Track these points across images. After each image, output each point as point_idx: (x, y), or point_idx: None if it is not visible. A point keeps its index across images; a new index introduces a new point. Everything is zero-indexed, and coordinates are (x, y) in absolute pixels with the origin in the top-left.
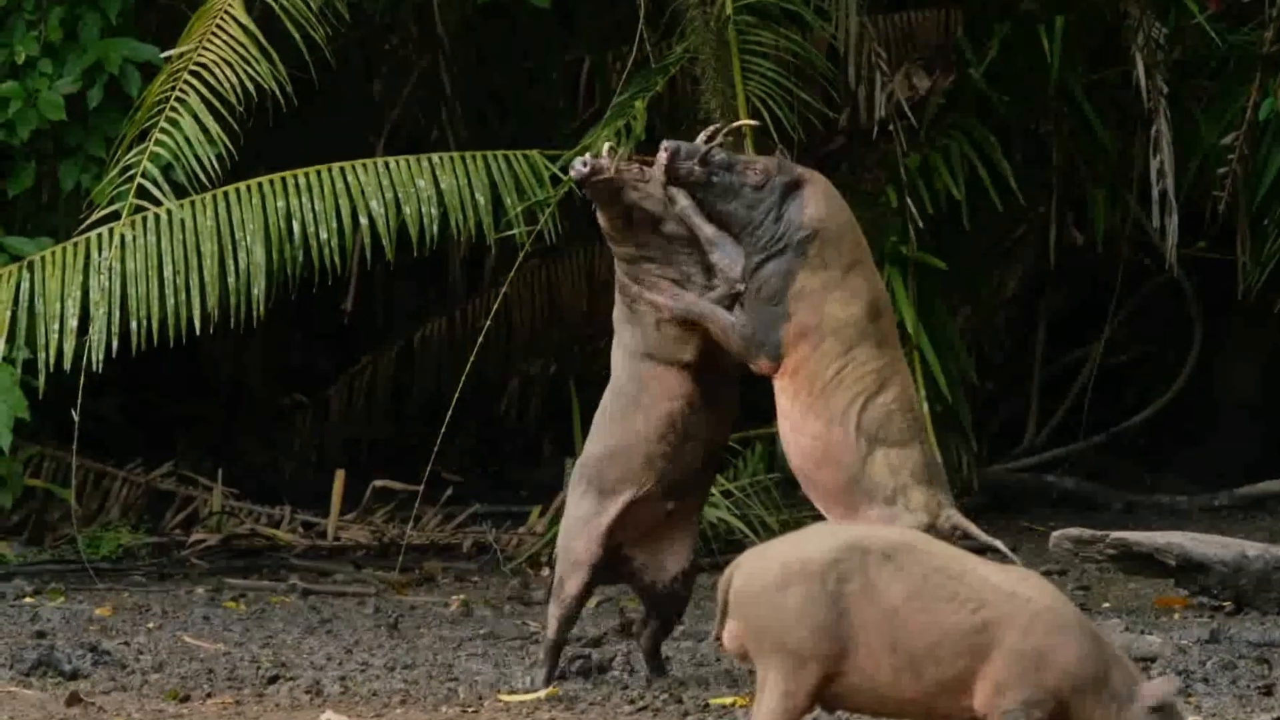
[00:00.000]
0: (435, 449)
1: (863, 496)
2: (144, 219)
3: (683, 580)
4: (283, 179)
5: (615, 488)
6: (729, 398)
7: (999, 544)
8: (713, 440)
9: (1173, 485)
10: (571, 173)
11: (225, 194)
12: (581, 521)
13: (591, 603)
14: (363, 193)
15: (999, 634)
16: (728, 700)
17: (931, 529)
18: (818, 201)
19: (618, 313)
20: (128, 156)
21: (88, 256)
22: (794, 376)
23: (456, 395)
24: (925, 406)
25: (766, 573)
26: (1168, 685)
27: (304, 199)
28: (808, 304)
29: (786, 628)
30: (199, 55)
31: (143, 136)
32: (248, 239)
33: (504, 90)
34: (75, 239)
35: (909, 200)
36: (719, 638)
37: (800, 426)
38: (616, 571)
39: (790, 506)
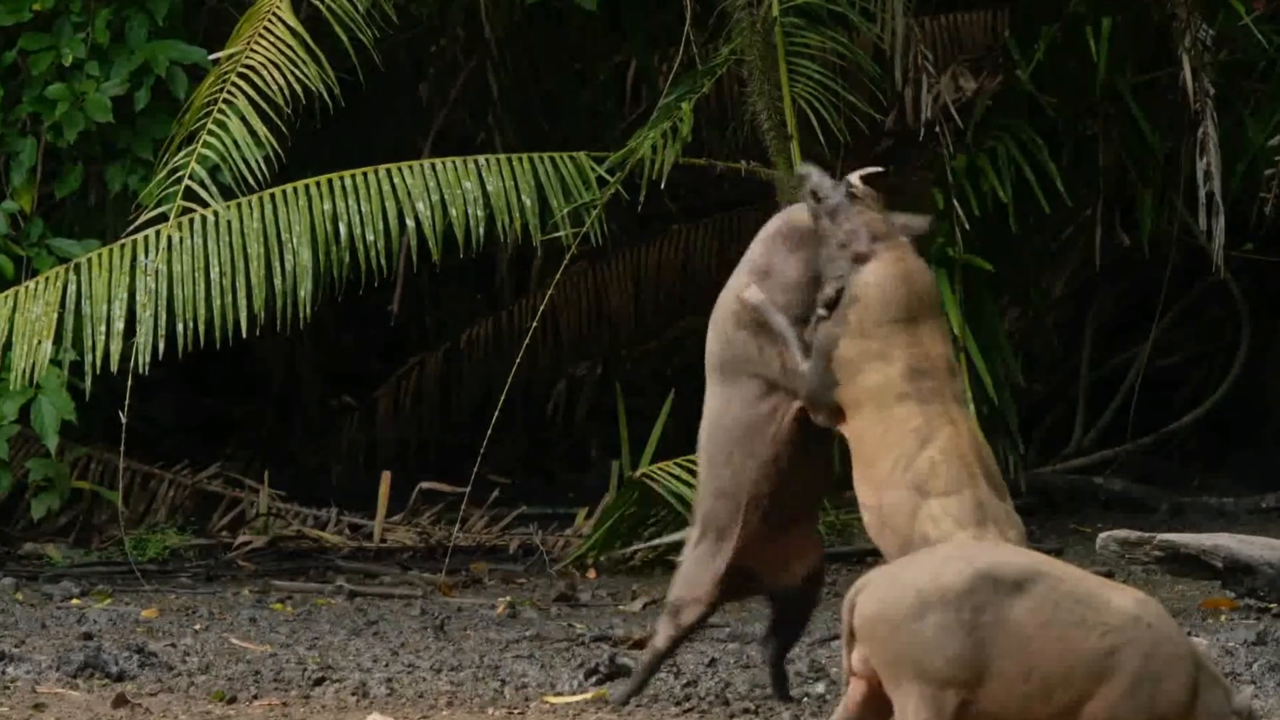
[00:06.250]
0: (482, 451)
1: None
2: (191, 221)
3: (811, 581)
4: (329, 181)
5: (728, 528)
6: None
7: None
8: (814, 482)
9: (1222, 487)
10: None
11: (272, 196)
12: (707, 557)
13: (638, 604)
14: (409, 194)
15: (1123, 658)
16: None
17: None
18: (876, 271)
19: (745, 341)
20: (175, 158)
21: (134, 258)
22: (852, 447)
23: (503, 397)
24: (972, 409)
25: (901, 600)
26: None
27: (351, 201)
28: (847, 373)
29: (925, 657)
30: (246, 57)
31: (190, 138)
32: (294, 241)
33: (552, 92)
34: (122, 241)
35: (955, 202)
36: (848, 662)
37: (860, 498)
38: (742, 589)
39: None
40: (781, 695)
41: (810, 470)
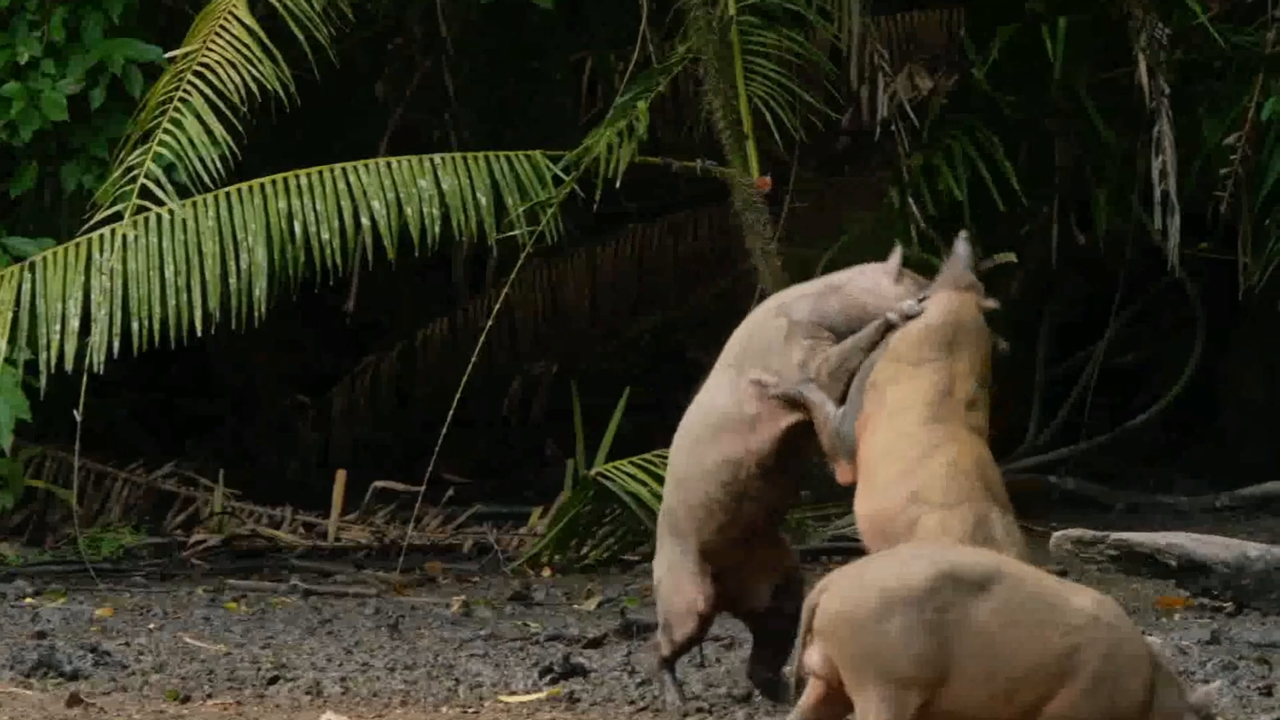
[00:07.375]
0: (437, 449)
1: None
2: (146, 219)
3: (781, 594)
4: (285, 179)
5: (686, 529)
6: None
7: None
8: (778, 503)
9: (1179, 486)
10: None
11: (228, 194)
12: (679, 569)
13: (593, 603)
14: (365, 193)
15: (1084, 658)
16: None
17: None
18: (930, 307)
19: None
20: (130, 157)
21: (89, 257)
22: (860, 464)
23: (458, 396)
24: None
25: (865, 601)
26: (1212, 694)
27: (306, 199)
28: (874, 395)
29: (889, 657)
30: (202, 55)
31: (146, 137)
32: (250, 239)
33: (508, 91)
34: (77, 239)
35: (911, 201)
36: (803, 660)
37: (858, 509)
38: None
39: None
40: (774, 698)
41: (778, 490)
